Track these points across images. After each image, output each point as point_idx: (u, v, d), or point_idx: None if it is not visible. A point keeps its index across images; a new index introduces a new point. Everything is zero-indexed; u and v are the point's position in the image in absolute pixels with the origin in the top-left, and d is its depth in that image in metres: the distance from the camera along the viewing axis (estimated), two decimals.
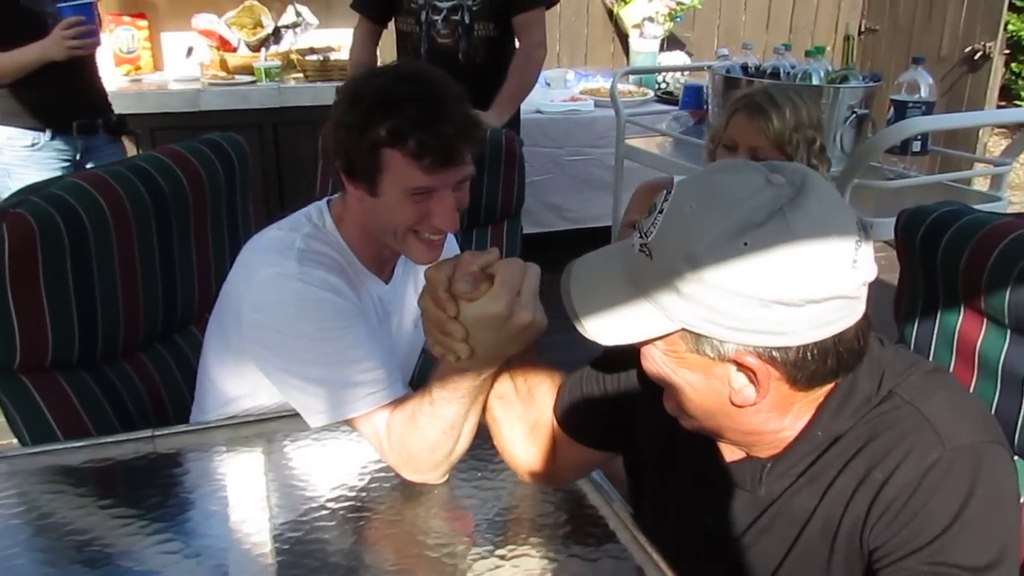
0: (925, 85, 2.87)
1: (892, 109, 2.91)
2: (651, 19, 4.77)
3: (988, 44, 4.33)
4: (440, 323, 1.07)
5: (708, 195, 0.88)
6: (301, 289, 1.35)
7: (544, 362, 1.23)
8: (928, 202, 1.49)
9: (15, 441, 1.53)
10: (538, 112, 4.08)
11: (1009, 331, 1.29)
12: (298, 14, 4.21)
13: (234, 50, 4.08)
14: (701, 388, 0.95)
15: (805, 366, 0.91)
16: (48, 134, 2.77)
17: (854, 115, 2.93)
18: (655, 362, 0.96)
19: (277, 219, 1.51)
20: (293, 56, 4.09)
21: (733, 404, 0.95)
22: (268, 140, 3.76)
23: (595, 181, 4.19)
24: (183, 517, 1.29)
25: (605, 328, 0.94)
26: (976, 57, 4.38)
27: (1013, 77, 6.74)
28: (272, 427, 1.46)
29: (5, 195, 1.79)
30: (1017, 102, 6.64)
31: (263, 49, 4.08)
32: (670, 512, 1.18)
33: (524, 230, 2.75)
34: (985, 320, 1.33)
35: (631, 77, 4.63)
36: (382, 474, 1.33)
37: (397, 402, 1.31)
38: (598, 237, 3.62)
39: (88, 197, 1.56)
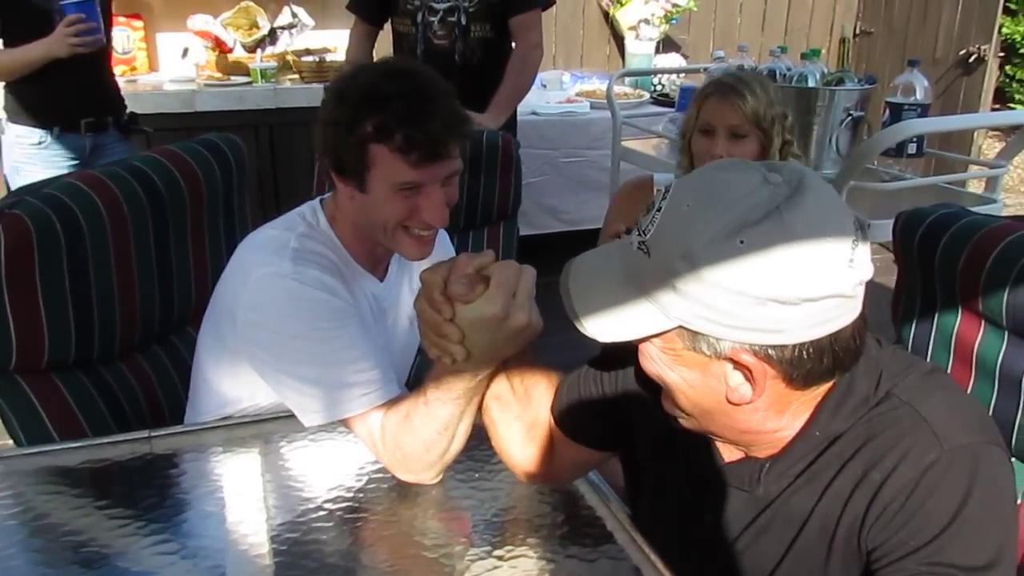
0: (920, 87, 2.88)
1: (887, 111, 2.92)
2: (647, 21, 4.78)
3: (983, 47, 4.35)
4: (436, 325, 1.07)
5: (706, 193, 0.88)
6: (296, 289, 1.35)
7: (541, 363, 1.23)
8: (924, 204, 1.49)
9: (11, 442, 1.53)
10: (534, 114, 4.09)
11: (1007, 333, 1.30)
12: (294, 15, 4.21)
13: (230, 51, 4.07)
14: (698, 386, 0.95)
15: (801, 364, 0.91)
16: (55, 132, 2.77)
17: (850, 117, 2.94)
18: (652, 360, 0.97)
19: (272, 219, 1.51)
20: (289, 57, 4.08)
21: (730, 402, 0.95)
22: (264, 141, 3.76)
23: (591, 183, 4.19)
24: (180, 518, 1.29)
25: (603, 325, 0.95)
26: (971, 60, 4.40)
27: (1007, 80, 6.77)
28: (269, 428, 1.46)
29: None
30: (1011, 104, 6.66)
31: (259, 50, 4.08)
32: (668, 512, 1.18)
33: (520, 232, 2.75)
34: (983, 322, 1.34)
35: (627, 79, 4.63)
36: (379, 475, 1.32)
37: (392, 402, 1.30)
38: (594, 239, 3.60)
39: (84, 198, 1.55)
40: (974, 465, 0.93)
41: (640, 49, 4.84)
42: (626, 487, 1.36)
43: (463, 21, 2.92)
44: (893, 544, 0.94)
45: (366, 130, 1.32)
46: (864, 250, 0.87)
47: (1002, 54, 5.85)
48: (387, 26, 3.10)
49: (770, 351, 0.90)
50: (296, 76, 4.01)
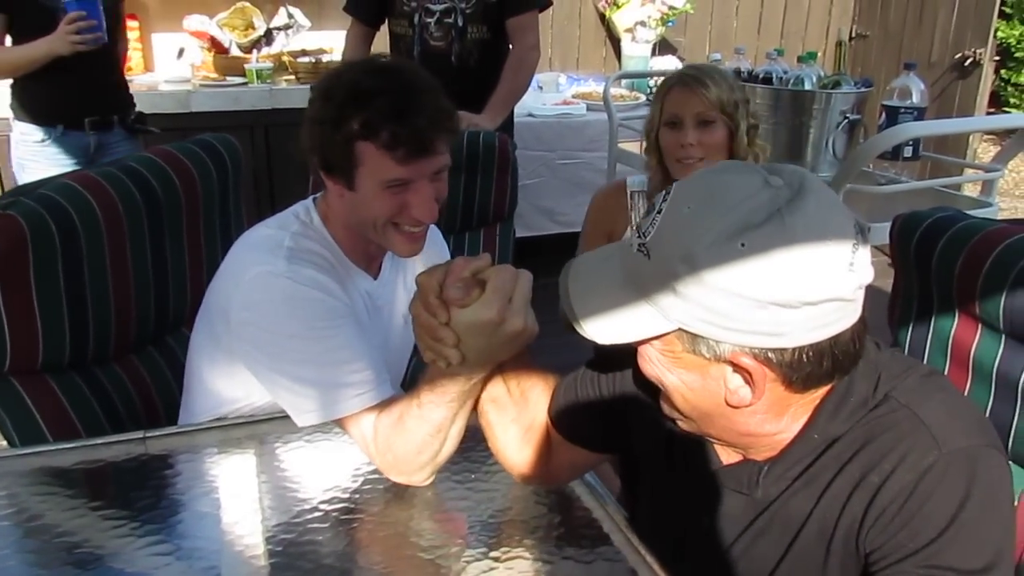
0: (917, 91, 2.88)
1: (884, 115, 2.93)
2: (643, 23, 4.78)
3: (978, 50, 4.35)
4: (431, 329, 1.06)
5: (707, 196, 0.88)
6: (290, 288, 1.34)
7: (538, 365, 1.23)
8: (920, 207, 1.49)
9: (4, 443, 1.52)
10: (530, 116, 4.09)
11: (1004, 336, 1.30)
12: (290, 16, 4.21)
13: (226, 51, 4.06)
14: (697, 388, 0.95)
15: (801, 368, 0.91)
16: (59, 130, 2.78)
17: (846, 120, 2.95)
18: (651, 362, 0.96)
19: (266, 218, 1.51)
20: (285, 58, 4.08)
21: (729, 405, 0.95)
22: (259, 142, 3.75)
23: (587, 185, 4.19)
24: (175, 519, 1.29)
25: (602, 327, 0.94)
26: (966, 63, 4.40)
27: (1003, 84, 6.79)
28: (264, 429, 1.45)
29: None
30: (1007, 108, 6.68)
31: (255, 51, 4.07)
32: (666, 514, 1.18)
33: (516, 234, 2.75)
34: (980, 325, 1.34)
35: (623, 81, 4.63)
36: (375, 476, 1.32)
37: (385, 403, 1.30)
38: None
39: (79, 198, 1.55)
40: (972, 468, 0.93)
41: (636, 51, 4.84)
42: (623, 489, 1.36)
43: (460, 23, 2.92)
44: (891, 547, 0.94)
45: (352, 128, 1.32)
46: (864, 253, 0.87)
47: (997, 58, 5.88)
48: (384, 28, 3.10)
49: (770, 354, 0.90)
50: (292, 77, 4.00)
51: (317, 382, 1.33)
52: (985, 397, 1.32)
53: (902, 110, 2.87)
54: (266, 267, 1.36)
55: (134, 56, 4.07)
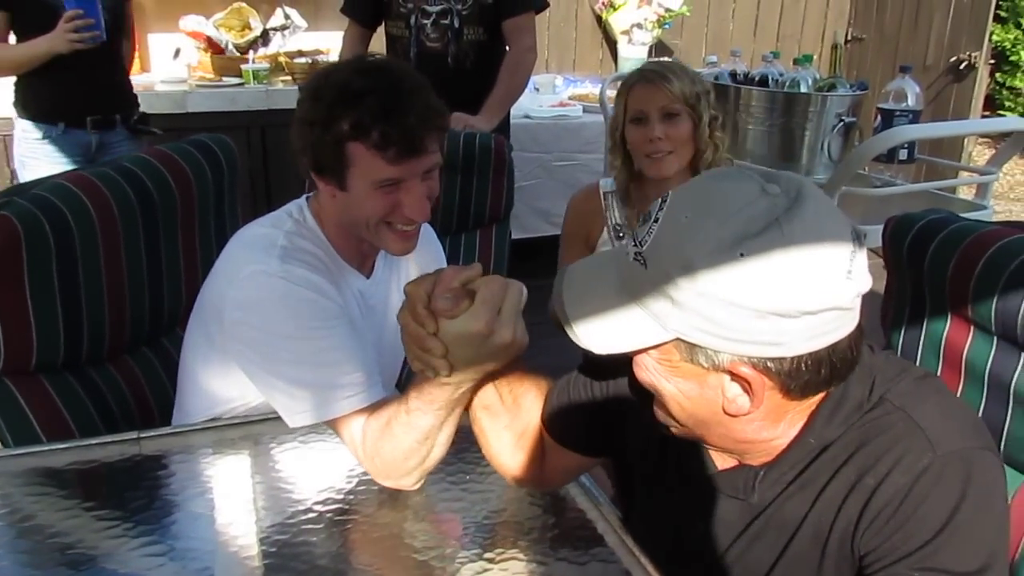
0: (912, 94, 2.89)
1: (879, 117, 2.94)
2: (639, 26, 4.79)
3: (973, 54, 4.37)
4: (419, 339, 1.05)
5: (704, 204, 0.88)
6: (283, 287, 1.34)
7: (530, 368, 1.22)
8: (914, 210, 1.49)
9: None
10: (527, 117, 4.09)
11: (996, 338, 1.30)
12: (287, 17, 4.21)
13: (222, 52, 4.06)
14: (694, 397, 0.95)
15: (799, 376, 0.91)
16: (60, 128, 2.79)
17: (841, 123, 2.96)
18: (647, 370, 0.96)
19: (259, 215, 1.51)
20: (281, 59, 4.07)
21: (726, 413, 0.95)
22: (256, 143, 3.75)
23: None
24: (168, 520, 1.29)
25: (599, 337, 0.94)
26: (961, 66, 4.42)
27: (997, 87, 6.80)
28: (258, 429, 1.45)
29: None
30: (1001, 112, 6.70)
31: (251, 51, 4.07)
32: (660, 518, 1.18)
33: (512, 235, 2.75)
34: (972, 327, 1.34)
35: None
36: (369, 477, 1.32)
37: (375, 406, 1.30)
38: None
39: (74, 198, 1.54)
40: (967, 470, 0.93)
41: (633, 53, 4.85)
42: (617, 493, 1.36)
43: (456, 24, 2.92)
44: (886, 549, 0.94)
45: (342, 129, 1.32)
46: (862, 260, 0.87)
47: (992, 61, 5.90)
48: (381, 29, 3.10)
49: (769, 363, 0.89)
50: (288, 78, 4.00)
51: (308, 383, 1.33)
52: (977, 399, 1.32)
53: (897, 113, 2.88)
54: (260, 266, 1.36)
55: None
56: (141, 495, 1.31)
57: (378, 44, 3.17)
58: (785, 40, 5.31)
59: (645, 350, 0.94)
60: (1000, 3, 6.02)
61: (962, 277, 1.32)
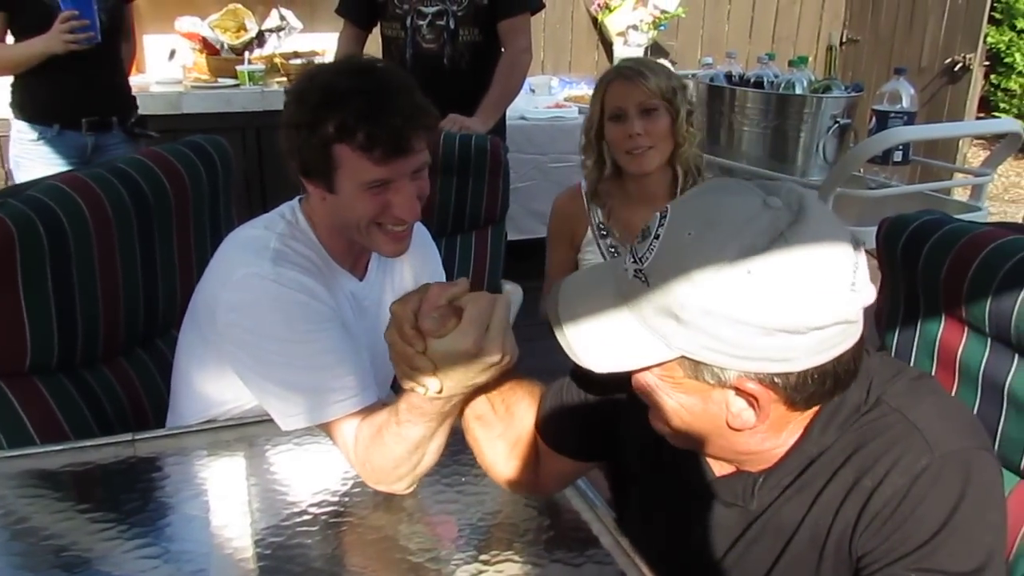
0: (907, 95, 2.90)
1: (874, 119, 2.94)
2: (635, 27, 4.79)
3: (968, 55, 4.38)
4: (407, 358, 1.04)
5: (707, 220, 0.87)
6: (275, 290, 1.34)
7: (522, 373, 1.20)
8: (909, 211, 1.50)
9: None
10: (522, 119, 4.09)
11: (990, 339, 1.30)
12: (282, 18, 4.20)
13: (217, 53, 4.06)
14: (698, 412, 0.94)
15: (804, 389, 0.91)
16: (56, 129, 2.78)
17: (836, 125, 2.96)
18: (648, 385, 0.95)
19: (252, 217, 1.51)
20: (277, 60, 4.07)
21: (730, 427, 0.94)
22: (251, 144, 3.75)
23: None
24: (163, 522, 1.29)
25: (600, 356, 0.93)
26: (956, 68, 4.43)
27: (992, 89, 6.82)
28: (253, 431, 1.45)
29: None
30: (996, 113, 6.71)
31: (247, 53, 4.07)
32: (657, 523, 1.17)
33: (507, 236, 2.76)
34: (966, 328, 1.34)
35: None
36: None
37: (368, 411, 1.30)
38: None
39: (68, 200, 1.54)
40: (966, 471, 0.93)
41: (628, 55, 4.85)
42: (613, 498, 1.35)
43: (451, 25, 2.92)
44: (883, 550, 0.94)
45: (328, 131, 1.32)
46: (864, 272, 0.87)
47: (987, 63, 5.91)
48: (376, 30, 3.10)
49: (776, 379, 0.89)
50: (284, 79, 3.99)
51: (300, 386, 1.33)
52: (971, 400, 1.32)
53: (892, 114, 2.88)
54: (252, 269, 1.36)
55: None
56: (136, 497, 1.30)
57: (373, 46, 3.17)
58: (780, 42, 5.32)
59: (649, 368, 0.93)
60: (995, 5, 6.04)
61: (956, 278, 1.32)
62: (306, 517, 1.25)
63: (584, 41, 5.10)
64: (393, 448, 1.20)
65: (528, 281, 2.56)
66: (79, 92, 2.77)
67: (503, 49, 2.98)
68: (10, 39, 2.72)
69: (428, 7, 2.91)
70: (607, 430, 1.20)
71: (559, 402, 1.21)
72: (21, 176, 2.76)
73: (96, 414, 1.60)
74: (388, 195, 1.37)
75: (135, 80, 3.95)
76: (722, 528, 1.07)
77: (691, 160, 2.11)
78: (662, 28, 4.89)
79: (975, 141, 5.98)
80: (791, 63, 3.19)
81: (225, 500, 1.32)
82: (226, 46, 4.07)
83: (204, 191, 1.83)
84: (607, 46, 5.03)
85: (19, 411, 1.50)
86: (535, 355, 1.21)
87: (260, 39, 4.15)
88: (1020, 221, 4.52)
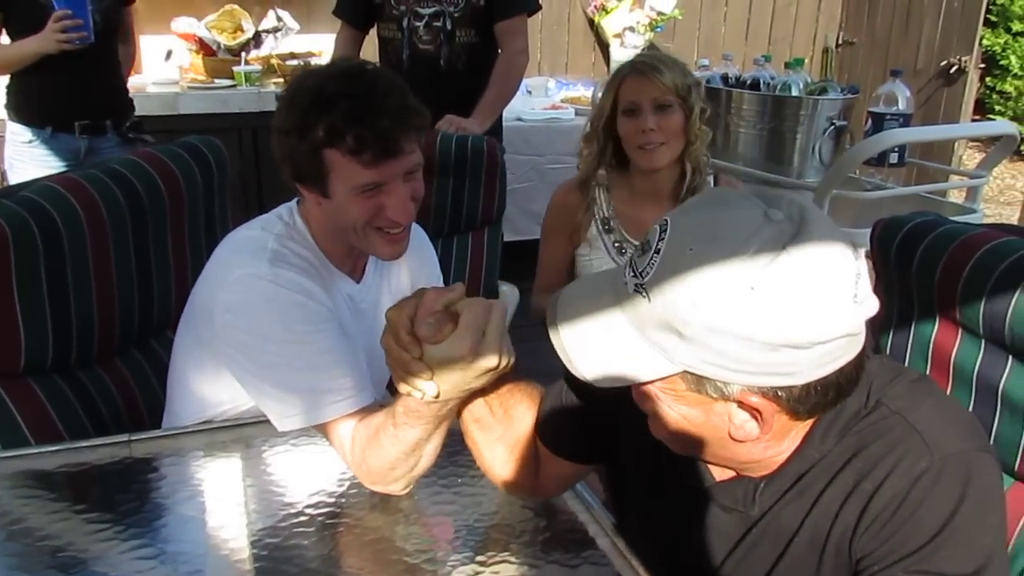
0: (903, 97, 2.91)
1: (870, 121, 2.95)
2: (632, 29, 4.80)
3: (963, 58, 4.39)
4: (404, 363, 1.04)
5: (708, 235, 0.86)
6: (272, 291, 1.34)
7: (521, 375, 1.20)
8: (904, 213, 1.50)
9: None
10: (519, 120, 4.09)
11: (984, 341, 1.31)
12: (279, 19, 4.20)
13: (214, 54, 4.05)
14: (700, 423, 0.94)
15: (808, 400, 0.91)
16: (48, 131, 2.76)
17: (832, 126, 2.97)
18: (649, 397, 0.95)
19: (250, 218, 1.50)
20: (274, 61, 4.07)
21: (733, 439, 0.94)
22: (247, 145, 3.74)
23: None
24: (159, 523, 1.28)
25: (600, 370, 0.93)
26: (951, 71, 4.44)
27: (987, 91, 6.83)
28: (250, 432, 1.45)
29: None
30: (991, 116, 6.72)
31: (243, 53, 4.07)
32: (656, 527, 1.17)
33: (504, 238, 2.76)
34: (960, 330, 1.35)
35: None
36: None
37: (364, 412, 1.30)
38: None
39: (62, 200, 1.54)
40: (966, 473, 0.93)
41: (625, 56, 4.83)
42: (610, 499, 1.35)
43: (448, 26, 2.92)
44: (883, 552, 0.94)
45: (318, 135, 1.31)
46: (865, 282, 0.87)
47: (983, 65, 5.92)
48: (373, 31, 3.10)
49: (779, 392, 0.89)
50: (281, 80, 3.99)
51: (297, 387, 1.33)
52: (966, 402, 1.33)
53: (888, 116, 2.89)
54: (249, 269, 1.36)
55: None
56: (132, 498, 1.30)
57: (371, 47, 3.17)
58: (776, 44, 5.33)
59: (651, 383, 0.93)
60: (990, 7, 6.05)
61: (950, 280, 1.33)
62: (302, 518, 1.25)
63: (581, 43, 5.10)
64: (389, 450, 1.20)
65: (525, 282, 2.55)
66: (72, 94, 2.75)
67: (500, 50, 2.98)
68: (5, 39, 2.71)
69: (425, 8, 2.91)
70: (606, 433, 1.20)
71: (558, 405, 1.21)
72: (14, 178, 2.73)
73: (91, 415, 1.60)
74: (381, 198, 1.37)
75: (131, 81, 3.93)
76: (722, 533, 1.07)
77: (700, 158, 2.10)
78: (659, 30, 4.90)
79: (970, 143, 5.98)
80: (787, 65, 3.20)
81: (221, 501, 1.32)
82: (223, 47, 4.07)
83: (199, 192, 1.83)
84: (604, 48, 5.04)
85: (13, 412, 1.49)
86: (531, 356, 1.21)
87: (257, 40, 4.15)
88: (1015, 223, 4.53)
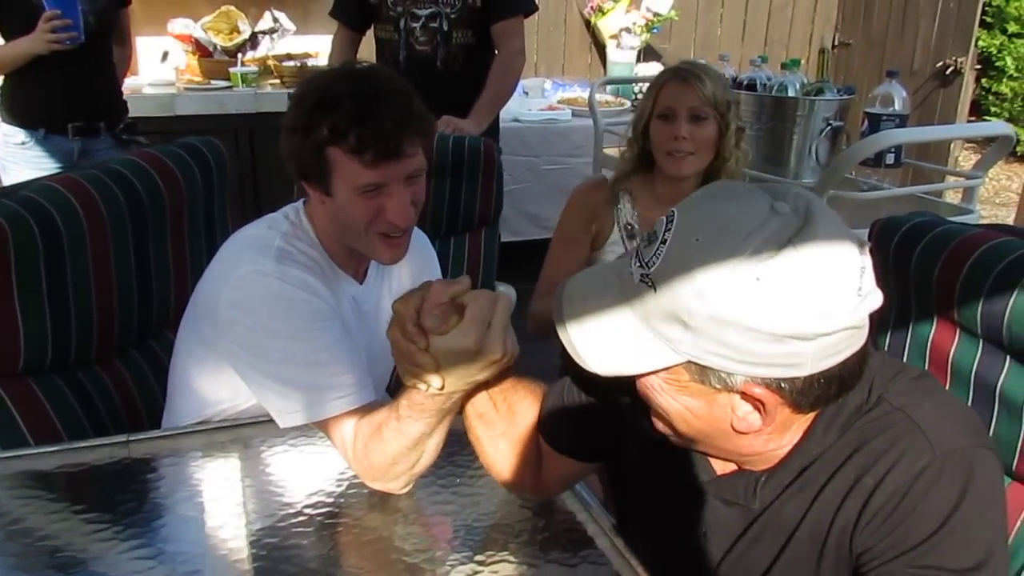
0: (899, 98, 2.91)
1: (866, 122, 2.95)
2: (628, 30, 4.81)
3: (959, 59, 4.40)
4: (409, 355, 1.05)
5: (715, 226, 0.87)
6: (277, 287, 1.34)
7: (523, 373, 1.21)
8: (901, 213, 1.50)
9: None
10: (516, 121, 4.09)
11: (981, 341, 1.31)
12: (275, 20, 4.20)
13: (210, 55, 4.05)
14: (702, 415, 0.95)
15: (810, 393, 0.91)
16: (41, 133, 2.75)
17: (829, 127, 2.97)
18: (653, 389, 0.95)
19: (252, 220, 1.51)
20: (270, 62, 4.07)
21: (735, 430, 0.95)
22: (244, 146, 3.75)
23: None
24: (158, 523, 1.28)
25: (604, 360, 0.93)
26: (948, 72, 4.45)
27: (983, 92, 6.85)
28: (248, 432, 1.45)
29: None
30: (987, 117, 6.75)
31: (239, 55, 4.07)
32: (658, 521, 1.17)
33: (501, 238, 2.76)
34: (958, 330, 1.35)
35: (608, 87, 4.65)
36: (359, 480, 1.32)
37: (366, 409, 1.30)
38: None
39: (62, 200, 1.54)
40: (968, 469, 0.93)
41: (621, 58, 4.86)
42: (608, 497, 1.35)
43: (445, 27, 2.92)
44: (883, 547, 0.94)
45: (322, 134, 1.33)
46: (870, 276, 0.87)
47: (979, 67, 5.94)
48: (370, 32, 3.10)
49: (782, 383, 0.90)
50: (277, 81, 4.00)
51: (299, 383, 1.33)
52: (963, 401, 1.33)
53: (884, 117, 2.89)
54: (255, 266, 1.36)
55: None
56: (130, 498, 1.30)
57: (367, 48, 3.17)
58: (773, 45, 5.34)
59: (655, 372, 0.93)
60: (986, 9, 6.07)
61: (948, 280, 1.33)
62: (301, 518, 1.25)
63: (577, 44, 5.11)
64: (392, 444, 1.21)
65: (521, 283, 2.56)
66: (65, 96, 2.74)
67: (496, 51, 2.98)
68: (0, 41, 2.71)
69: (421, 9, 2.91)
70: (609, 430, 1.20)
71: (560, 402, 1.22)
72: (8, 180, 2.73)
73: (90, 415, 1.60)
74: (382, 199, 1.37)
75: (127, 82, 3.94)
76: (723, 527, 1.08)
77: (734, 177, 2.08)
78: (655, 31, 4.91)
79: (966, 144, 6.00)
80: (784, 66, 3.20)
81: (220, 501, 1.32)
82: (219, 48, 4.07)
83: (198, 192, 1.83)
84: (600, 49, 5.05)
85: (12, 412, 1.49)
86: (530, 355, 1.21)
87: (253, 41, 4.15)
88: (1011, 224, 4.54)
